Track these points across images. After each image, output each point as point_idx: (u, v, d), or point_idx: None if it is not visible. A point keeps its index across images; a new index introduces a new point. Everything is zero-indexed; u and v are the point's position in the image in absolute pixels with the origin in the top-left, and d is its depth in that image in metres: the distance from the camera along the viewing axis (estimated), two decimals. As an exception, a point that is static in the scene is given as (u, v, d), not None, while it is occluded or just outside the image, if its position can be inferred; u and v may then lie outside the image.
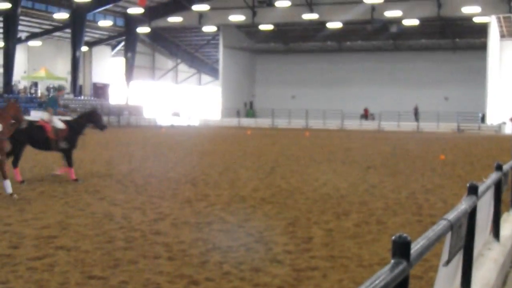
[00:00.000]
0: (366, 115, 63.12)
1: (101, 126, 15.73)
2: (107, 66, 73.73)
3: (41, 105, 52.79)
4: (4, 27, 52.32)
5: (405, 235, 2.23)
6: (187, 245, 7.91)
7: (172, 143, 31.10)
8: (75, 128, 14.85)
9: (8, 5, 49.69)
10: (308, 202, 11.67)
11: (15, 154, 13.87)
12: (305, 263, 7.13)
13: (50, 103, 15.59)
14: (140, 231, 8.75)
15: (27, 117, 14.72)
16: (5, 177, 11.73)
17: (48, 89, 59.41)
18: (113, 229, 8.83)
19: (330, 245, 8.06)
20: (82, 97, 63.01)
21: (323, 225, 9.41)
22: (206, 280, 6.41)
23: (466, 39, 61.94)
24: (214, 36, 70.25)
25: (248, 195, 12.54)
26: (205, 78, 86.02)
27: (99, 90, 71.07)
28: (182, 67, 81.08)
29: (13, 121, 12.48)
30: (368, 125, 59.10)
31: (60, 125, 14.70)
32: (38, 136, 14.40)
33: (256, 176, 16.01)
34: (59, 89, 17.23)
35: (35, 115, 49.20)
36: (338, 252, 7.70)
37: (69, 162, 14.51)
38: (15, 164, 13.87)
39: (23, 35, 60.17)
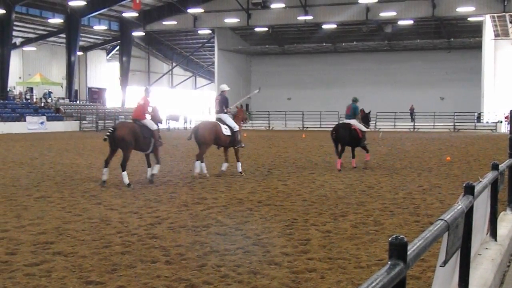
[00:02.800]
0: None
1: None
2: (102, 71, 73.70)
3: (36, 110, 52.74)
4: (-2, 33, 52.29)
5: (401, 236, 2.23)
6: (185, 249, 7.90)
7: (168, 146, 31.05)
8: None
9: (2, 11, 49.60)
10: (305, 204, 11.67)
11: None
12: (303, 265, 7.12)
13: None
14: (138, 235, 8.74)
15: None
16: None
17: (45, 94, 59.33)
18: (110, 234, 8.81)
19: (327, 247, 8.06)
20: (78, 102, 62.93)
21: (320, 226, 9.41)
22: (204, 284, 6.40)
23: (461, 39, 62.04)
24: (209, 39, 70.28)
25: (245, 197, 12.54)
26: (201, 81, 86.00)
27: (95, 95, 71.00)
28: (177, 70, 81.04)
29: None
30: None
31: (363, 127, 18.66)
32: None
33: (253, 179, 16.01)
34: None
35: (31, 121, 49.20)
36: (335, 253, 7.70)
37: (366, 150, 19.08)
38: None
39: (17, 40, 60.09)
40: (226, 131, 16.72)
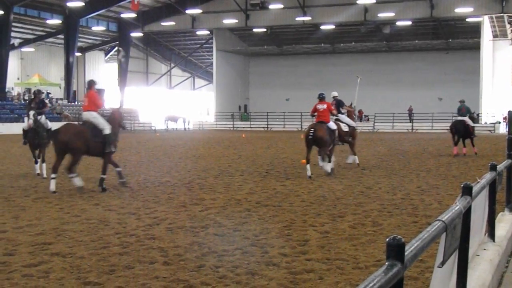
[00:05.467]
0: (360, 117, 63.21)
1: None
2: (100, 72, 73.63)
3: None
4: (-4, 34, 52.26)
5: (399, 237, 2.23)
6: (183, 250, 7.90)
7: (166, 147, 31.06)
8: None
9: (0, 12, 49.58)
10: (303, 205, 11.67)
11: None
12: (301, 266, 7.12)
13: None
14: (136, 236, 8.74)
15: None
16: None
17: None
18: (108, 235, 8.81)
19: (326, 247, 8.06)
20: (76, 103, 62.90)
21: (319, 227, 9.41)
22: (202, 285, 6.40)
23: (459, 40, 62.12)
24: (208, 39, 70.31)
25: (243, 198, 12.54)
26: (199, 82, 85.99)
27: (93, 96, 70.92)
28: (176, 71, 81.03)
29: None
30: (363, 126, 59.16)
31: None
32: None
33: (251, 179, 16.01)
34: None
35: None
36: (334, 254, 7.70)
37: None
38: None
39: (16, 41, 60.04)
40: (345, 127, 19.18)
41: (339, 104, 20.12)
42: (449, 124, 25.58)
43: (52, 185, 13.31)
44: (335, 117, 19.11)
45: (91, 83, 14.87)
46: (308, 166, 16.49)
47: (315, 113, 17.60)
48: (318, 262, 7.32)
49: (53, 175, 13.34)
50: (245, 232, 9.05)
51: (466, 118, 24.20)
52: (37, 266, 7.09)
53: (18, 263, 7.21)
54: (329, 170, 17.05)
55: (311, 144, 16.88)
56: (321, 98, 17.67)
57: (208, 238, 8.63)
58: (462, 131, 23.90)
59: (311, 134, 16.73)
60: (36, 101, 17.54)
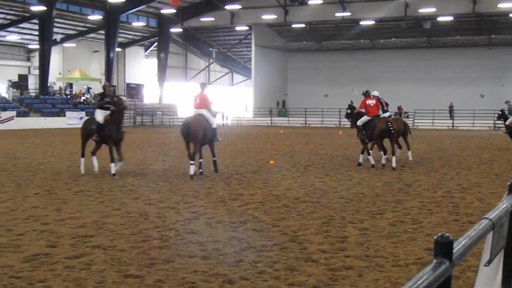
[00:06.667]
0: (400, 113, 62.51)
1: None
2: (140, 67, 74.33)
3: (76, 106, 53.55)
4: (39, 30, 53.11)
5: (447, 234, 2.19)
6: (222, 244, 7.93)
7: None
8: None
9: (43, 8, 50.44)
10: (342, 201, 11.61)
11: None
12: (340, 263, 7.08)
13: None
14: (175, 230, 8.80)
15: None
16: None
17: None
18: (148, 228, 8.90)
19: (365, 245, 8.00)
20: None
21: (357, 224, 9.35)
22: (241, 279, 6.41)
23: (502, 35, 60.84)
24: (246, 35, 70.33)
25: (281, 194, 12.53)
26: (237, 77, 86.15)
27: (133, 91, 71.67)
28: (214, 66, 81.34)
29: None
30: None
31: None
32: None
33: (289, 175, 15.99)
34: None
35: (71, 116, 49.98)
36: (373, 251, 7.64)
37: None
38: None
39: (58, 37, 60.97)
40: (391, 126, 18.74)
41: (384, 104, 20.62)
42: (491, 122, 26.41)
43: (192, 170, 15.05)
44: (382, 115, 19.44)
45: (203, 86, 16.52)
46: (385, 156, 17.81)
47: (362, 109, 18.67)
48: (357, 259, 7.27)
49: (192, 162, 15.13)
50: (283, 228, 9.04)
51: None
52: (79, 258, 7.20)
53: (60, 255, 7.34)
54: (395, 164, 17.65)
55: (387, 137, 18.04)
56: (368, 95, 18.68)
57: (247, 233, 8.64)
58: None
59: (391, 127, 17.81)
60: (107, 94, 16.68)
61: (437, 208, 10.89)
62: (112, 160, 15.38)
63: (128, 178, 15.06)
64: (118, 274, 6.57)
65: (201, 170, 15.92)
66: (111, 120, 15.57)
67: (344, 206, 11.07)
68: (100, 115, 15.85)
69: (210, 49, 75.81)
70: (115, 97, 16.85)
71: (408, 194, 12.65)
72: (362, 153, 18.85)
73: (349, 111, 20.05)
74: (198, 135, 15.34)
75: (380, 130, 17.74)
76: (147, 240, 8.17)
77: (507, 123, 26.29)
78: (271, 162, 19.33)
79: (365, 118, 18.41)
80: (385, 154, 17.83)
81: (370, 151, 18.65)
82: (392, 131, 17.83)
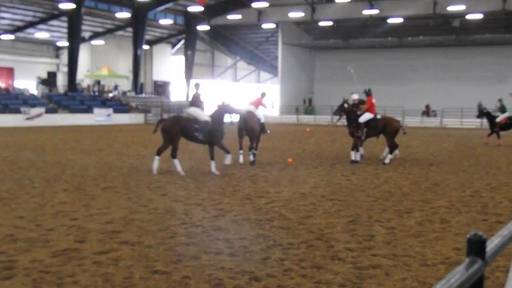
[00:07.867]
0: (427, 112, 61.94)
1: None
2: (167, 64, 74.67)
3: (104, 103, 54.02)
4: (68, 27, 53.64)
5: (480, 233, 2.17)
6: (248, 242, 7.94)
7: (232, 139, 31.25)
8: None
9: (72, 6, 50.94)
10: (369, 200, 11.55)
11: None
12: (367, 261, 7.05)
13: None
14: (202, 227, 8.84)
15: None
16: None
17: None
18: (175, 225, 8.94)
19: (392, 243, 7.95)
20: (143, 95, 64.08)
21: (384, 223, 9.29)
22: (268, 277, 6.41)
23: (532, 33, 59.95)
24: (273, 33, 70.24)
25: (308, 192, 12.50)
26: (264, 75, 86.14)
27: (160, 88, 72.06)
28: (241, 64, 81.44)
29: None
30: (430, 122, 58.00)
31: None
32: None
33: (316, 173, 15.95)
34: None
35: (98, 113, 50.46)
36: (400, 250, 7.59)
37: None
38: None
39: (86, 34, 61.52)
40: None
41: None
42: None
43: (251, 157, 17.99)
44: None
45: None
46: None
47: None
48: (384, 258, 7.22)
49: (250, 152, 18.09)
50: (310, 225, 9.02)
51: None
52: (107, 254, 7.26)
53: (88, 250, 7.41)
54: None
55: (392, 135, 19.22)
56: (371, 93, 19.70)
57: (273, 231, 8.64)
58: None
59: (403, 128, 19.48)
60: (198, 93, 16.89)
61: (466, 208, 10.77)
62: (212, 158, 15.94)
63: (155, 175, 15.15)
64: (145, 270, 6.62)
65: (253, 159, 17.96)
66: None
67: (371, 204, 11.01)
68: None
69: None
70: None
71: (436, 193, 12.54)
72: (353, 149, 19.23)
73: (346, 105, 19.87)
74: (255, 129, 18.18)
75: (395, 129, 19.09)
76: (174, 236, 8.21)
77: (497, 120, 27.29)
78: (289, 159, 19.35)
79: (368, 116, 19.15)
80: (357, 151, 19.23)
81: (360, 147, 19.68)
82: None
